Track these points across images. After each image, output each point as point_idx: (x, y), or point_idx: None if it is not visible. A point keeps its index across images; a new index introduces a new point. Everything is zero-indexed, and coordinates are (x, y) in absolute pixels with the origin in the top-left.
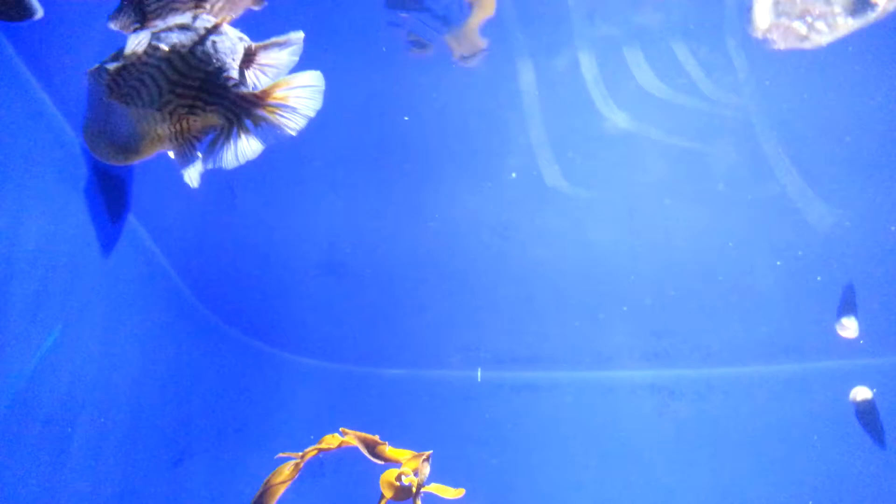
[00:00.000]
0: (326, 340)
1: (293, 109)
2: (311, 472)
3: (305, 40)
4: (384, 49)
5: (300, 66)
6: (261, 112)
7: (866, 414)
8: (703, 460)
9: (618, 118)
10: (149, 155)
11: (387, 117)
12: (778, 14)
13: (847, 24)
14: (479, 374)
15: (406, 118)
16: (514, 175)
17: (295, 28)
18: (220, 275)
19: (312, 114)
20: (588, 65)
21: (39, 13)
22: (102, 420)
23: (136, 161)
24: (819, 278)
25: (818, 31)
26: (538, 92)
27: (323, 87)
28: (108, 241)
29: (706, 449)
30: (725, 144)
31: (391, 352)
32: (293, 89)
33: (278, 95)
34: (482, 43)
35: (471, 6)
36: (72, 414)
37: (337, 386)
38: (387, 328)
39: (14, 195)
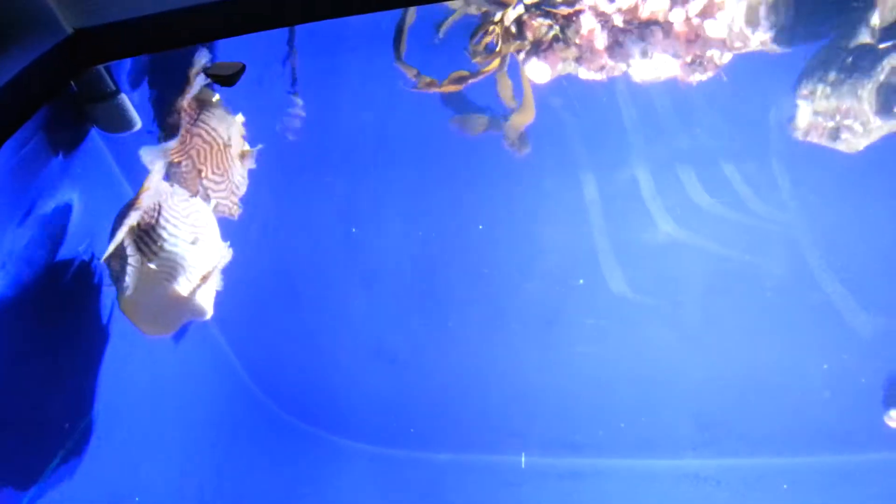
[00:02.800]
0: (377, 425)
1: None
2: None
3: None
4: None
5: None
6: None
7: None
8: None
9: (672, 230)
10: None
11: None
12: (815, 114)
13: (879, 126)
14: (523, 459)
15: (481, 227)
16: (581, 281)
17: None
18: (276, 362)
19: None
20: (645, 180)
21: (138, 125)
22: (138, 500)
23: None
24: (863, 380)
25: (853, 132)
26: (601, 203)
27: None
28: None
29: None
30: (772, 256)
31: (438, 436)
32: None
33: None
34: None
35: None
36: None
37: (386, 469)
38: (434, 413)
39: None
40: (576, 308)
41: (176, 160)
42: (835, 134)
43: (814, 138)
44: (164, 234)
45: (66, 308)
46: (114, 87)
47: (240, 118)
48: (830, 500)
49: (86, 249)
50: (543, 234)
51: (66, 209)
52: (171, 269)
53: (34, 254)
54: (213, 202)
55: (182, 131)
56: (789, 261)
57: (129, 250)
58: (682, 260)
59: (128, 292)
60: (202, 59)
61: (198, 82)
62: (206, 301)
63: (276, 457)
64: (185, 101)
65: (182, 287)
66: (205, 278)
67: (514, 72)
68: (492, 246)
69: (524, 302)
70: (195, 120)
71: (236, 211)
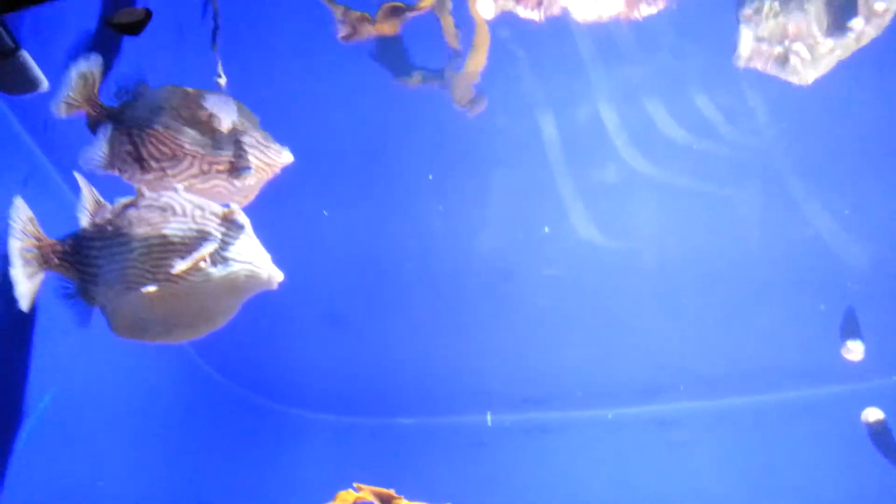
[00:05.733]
0: (333, 394)
1: None
2: None
3: None
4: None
5: None
6: None
7: (880, 435)
8: (717, 492)
9: (642, 166)
10: None
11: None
12: (758, 39)
13: (829, 49)
14: (489, 417)
15: (431, 177)
16: (546, 229)
17: None
18: (227, 338)
19: None
20: (609, 114)
21: (44, 85)
22: (101, 483)
23: None
24: (822, 307)
25: (802, 60)
26: (561, 143)
27: None
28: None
29: (719, 480)
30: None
31: (399, 401)
32: None
33: None
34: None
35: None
36: (71, 479)
37: (347, 439)
38: (394, 378)
39: None
40: (533, 259)
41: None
42: (783, 62)
43: (758, 65)
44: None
45: None
46: (12, 44)
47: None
48: (792, 435)
49: None
50: (499, 179)
51: None
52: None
53: None
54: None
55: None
56: (758, 194)
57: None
58: (654, 198)
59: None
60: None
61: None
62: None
63: (235, 434)
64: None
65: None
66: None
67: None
68: (442, 197)
69: (479, 256)
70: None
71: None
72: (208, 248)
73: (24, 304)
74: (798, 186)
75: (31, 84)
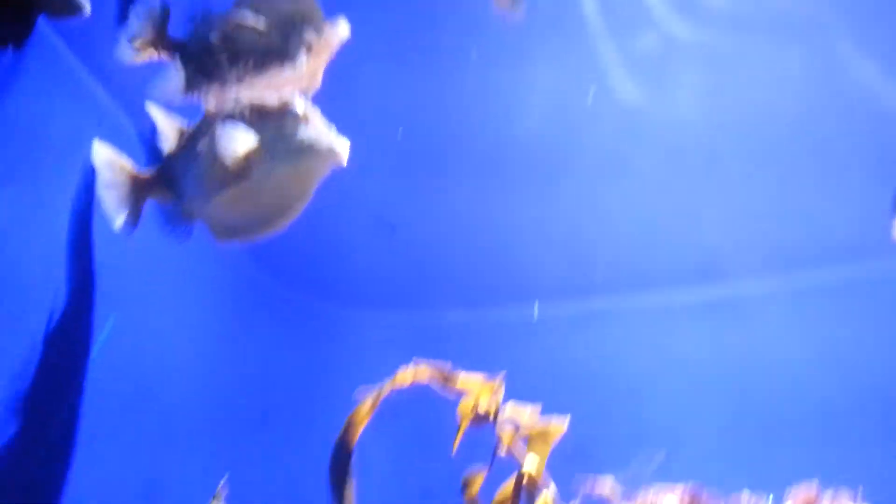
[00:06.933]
0: (381, 290)
1: None
2: (389, 411)
3: None
4: None
5: None
6: None
7: None
8: (770, 371)
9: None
10: None
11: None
12: None
13: None
14: (535, 309)
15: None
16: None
17: None
18: (277, 241)
19: None
20: None
21: (87, 9)
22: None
23: None
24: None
25: None
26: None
27: None
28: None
29: (772, 359)
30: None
31: (445, 295)
32: None
33: None
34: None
35: None
36: (149, 393)
37: (394, 335)
38: (438, 272)
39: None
40: (578, 137)
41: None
42: None
43: None
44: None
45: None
46: None
47: None
48: (838, 315)
49: None
50: (535, 64)
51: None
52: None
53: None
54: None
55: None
56: (807, 57)
57: None
58: (691, 68)
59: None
60: None
61: None
62: None
63: (285, 335)
64: None
65: None
66: None
67: None
68: (481, 89)
69: (521, 144)
70: None
71: None
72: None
73: (125, 233)
74: (849, 50)
75: (72, 7)
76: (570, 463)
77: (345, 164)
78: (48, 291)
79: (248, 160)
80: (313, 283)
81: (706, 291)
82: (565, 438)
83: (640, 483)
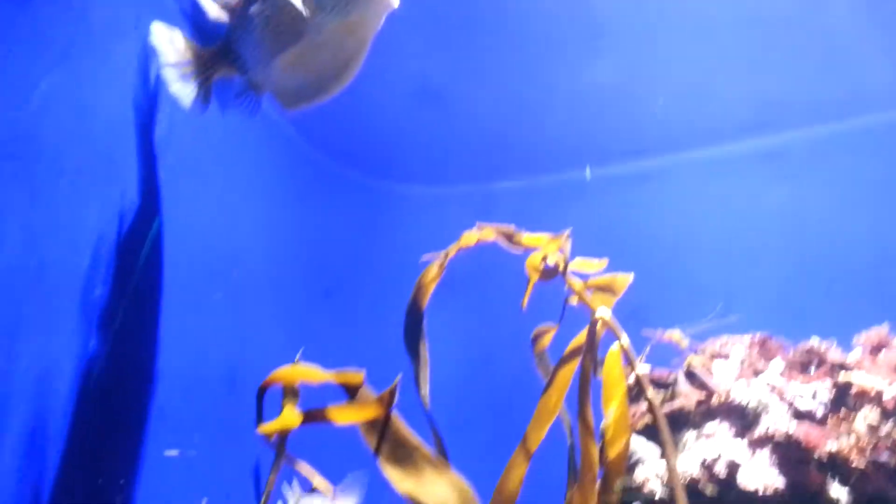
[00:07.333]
0: (430, 165)
1: None
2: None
3: None
4: None
5: None
6: None
7: None
8: (828, 220)
9: None
10: None
11: None
12: None
13: None
14: (587, 172)
15: None
16: None
17: None
18: (326, 116)
19: None
20: None
21: None
22: (235, 273)
23: None
24: None
25: None
26: None
27: None
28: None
29: (831, 208)
30: None
31: (494, 165)
32: None
33: None
34: None
35: None
36: (219, 272)
37: (446, 208)
38: (487, 142)
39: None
40: (624, 5)
41: None
42: None
43: None
44: None
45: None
46: None
47: None
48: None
49: None
50: None
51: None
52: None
53: None
54: None
55: None
56: None
57: None
58: None
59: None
60: None
61: None
62: None
63: (343, 212)
64: None
65: None
66: None
67: None
68: None
69: (567, 5)
70: None
71: None
72: None
73: (196, 112)
74: None
75: None
76: (632, 321)
77: (396, 5)
78: (110, 175)
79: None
80: (361, 158)
81: (761, 143)
82: (626, 297)
83: (707, 335)
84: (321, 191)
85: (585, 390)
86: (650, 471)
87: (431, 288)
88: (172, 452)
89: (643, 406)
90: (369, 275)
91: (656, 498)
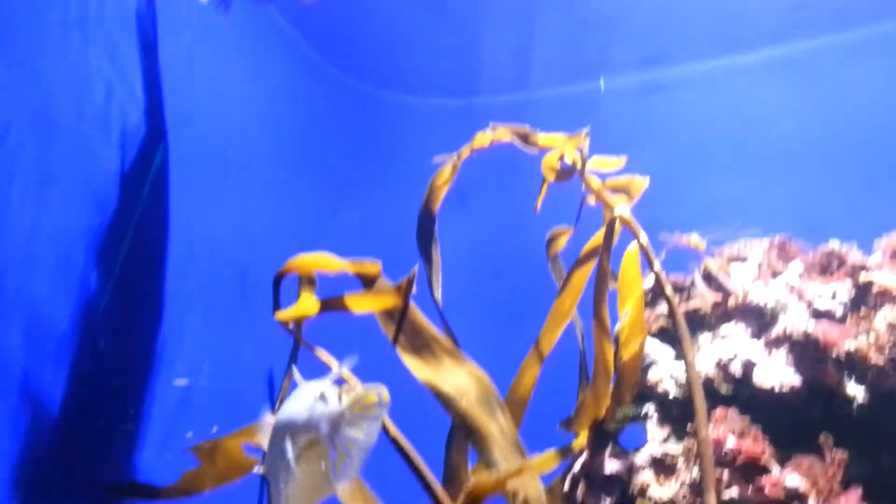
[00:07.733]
0: (443, 77)
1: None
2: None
3: None
4: None
5: None
6: None
7: None
8: (850, 125)
9: None
10: None
11: None
12: None
13: None
14: (602, 83)
15: None
16: None
17: None
18: (338, 30)
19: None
20: None
21: None
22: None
23: None
24: None
25: None
26: None
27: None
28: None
29: (851, 114)
30: None
31: (509, 78)
32: None
33: None
34: None
35: None
36: (233, 174)
37: (458, 121)
38: (501, 55)
39: None
40: None
41: None
42: None
43: None
44: None
45: None
46: None
47: None
48: None
49: None
50: None
51: None
52: None
53: None
54: None
55: None
56: None
57: None
58: None
59: None
60: None
61: None
62: None
63: (352, 121)
64: None
65: None
66: None
67: None
68: None
69: None
70: None
71: None
72: None
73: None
74: None
75: None
76: (649, 228)
77: None
78: (121, 74)
79: None
80: (373, 70)
81: (783, 50)
82: (642, 204)
83: (726, 238)
84: (333, 100)
85: (602, 290)
86: (664, 371)
87: (444, 191)
88: (182, 382)
89: (657, 309)
90: (385, 177)
91: (670, 397)
